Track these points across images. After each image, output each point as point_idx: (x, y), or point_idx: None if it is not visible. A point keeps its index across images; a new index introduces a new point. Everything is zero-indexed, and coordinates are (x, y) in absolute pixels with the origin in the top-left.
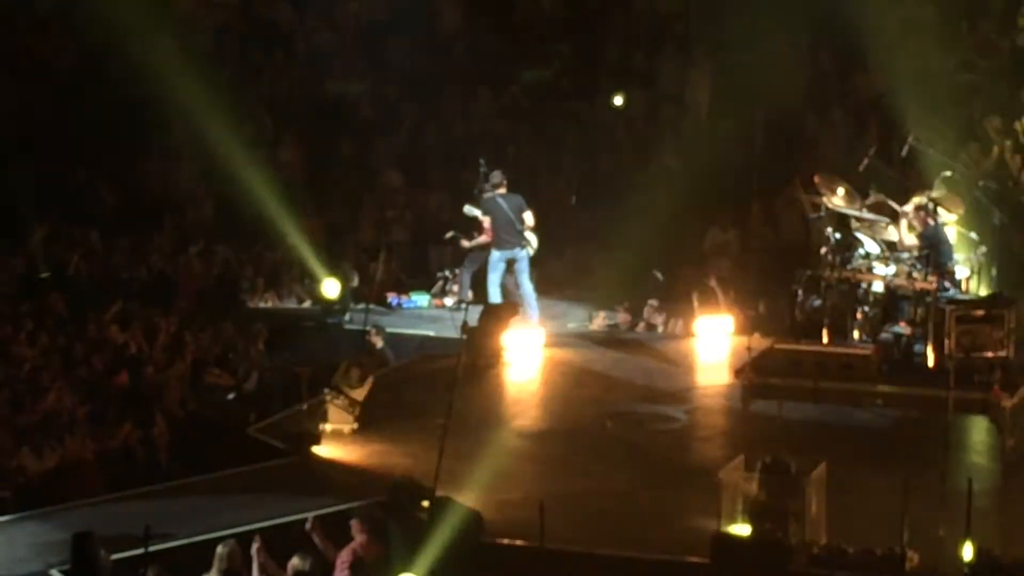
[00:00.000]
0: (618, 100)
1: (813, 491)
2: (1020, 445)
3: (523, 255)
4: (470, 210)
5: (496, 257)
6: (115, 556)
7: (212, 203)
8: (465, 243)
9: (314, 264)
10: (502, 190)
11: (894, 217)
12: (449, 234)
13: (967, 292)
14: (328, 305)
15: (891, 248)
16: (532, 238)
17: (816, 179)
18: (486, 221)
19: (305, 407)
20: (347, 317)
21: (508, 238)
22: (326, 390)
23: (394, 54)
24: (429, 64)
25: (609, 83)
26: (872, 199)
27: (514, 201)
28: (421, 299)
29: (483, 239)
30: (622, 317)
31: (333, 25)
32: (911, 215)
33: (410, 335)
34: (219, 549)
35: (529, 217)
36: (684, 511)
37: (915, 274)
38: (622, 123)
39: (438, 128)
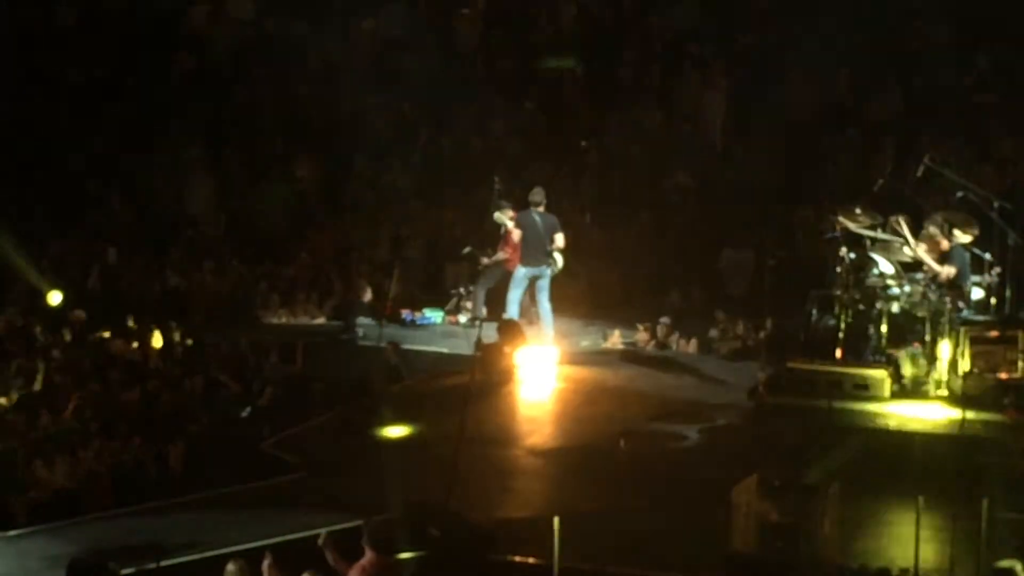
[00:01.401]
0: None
1: (826, 510)
2: None
3: (547, 273)
4: (500, 217)
5: (522, 274)
6: (126, 571)
7: (226, 219)
8: (484, 260)
9: (325, 280)
10: (540, 208)
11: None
12: (466, 250)
13: (981, 313)
14: (342, 321)
15: (906, 268)
16: (559, 258)
17: (832, 199)
18: (516, 235)
19: (319, 423)
20: (360, 333)
21: (536, 256)
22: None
23: (410, 71)
24: (445, 81)
25: (625, 100)
26: (892, 220)
27: (549, 221)
28: (435, 315)
29: (501, 256)
30: (641, 336)
31: (349, 42)
32: (926, 239)
33: (424, 351)
34: (229, 567)
35: (560, 239)
36: (697, 530)
37: (929, 295)
38: (638, 140)
39: (453, 145)
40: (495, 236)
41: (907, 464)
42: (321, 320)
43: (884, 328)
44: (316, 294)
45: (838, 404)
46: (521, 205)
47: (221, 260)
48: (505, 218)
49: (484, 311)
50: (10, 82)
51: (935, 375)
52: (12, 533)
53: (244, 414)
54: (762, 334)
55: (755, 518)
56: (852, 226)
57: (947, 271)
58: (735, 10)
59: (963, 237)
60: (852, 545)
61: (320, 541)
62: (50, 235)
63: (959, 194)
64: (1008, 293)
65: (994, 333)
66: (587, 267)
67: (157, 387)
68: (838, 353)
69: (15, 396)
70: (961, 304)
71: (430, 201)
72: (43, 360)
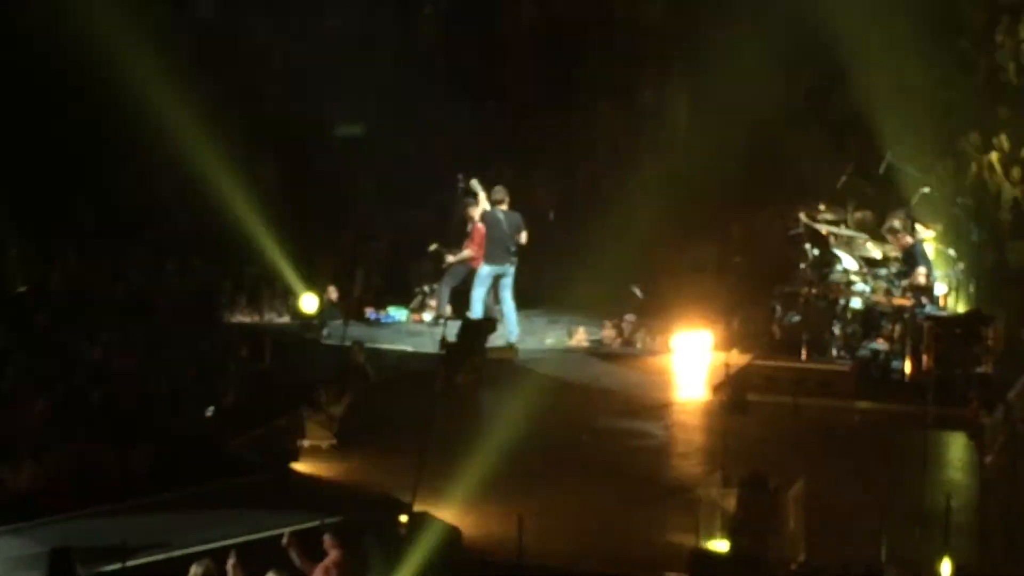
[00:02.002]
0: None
1: (791, 507)
2: (998, 461)
3: (511, 271)
4: (476, 185)
5: (486, 272)
6: (91, 572)
7: (190, 219)
8: (450, 257)
9: (292, 279)
10: (503, 206)
11: (874, 234)
12: (432, 247)
13: (945, 308)
14: (307, 320)
15: (869, 264)
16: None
17: (796, 196)
18: (478, 234)
19: (283, 423)
20: (325, 332)
21: (500, 254)
22: (304, 406)
23: (373, 70)
24: (407, 80)
25: (587, 98)
26: (856, 215)
27: (513, 219)
28: (400, 314)
29: (467, 253)
30: (607, 333)
31: (312, 41)
32: (889, 233)
33: (389, 350)
34: (193, 569)
35: (523, 237)
36: (662, 527)
37: (893, 291)
38: (601, 138)
39: (416, 144)
40: (460, 234)
41: (872, 460)
42: (287, 319)
43: (848, 325)
44: (282, 293)
45: (803, 400)
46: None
47: (185, 259)
48: (478, 187)
49: (448, 309)
50: None
51: (898, 371)
52: None
53: (208, 414)
54: (723, 330)
55: (721, 515)
56: (815, 223)
57: (921, 273)
58: (698, 7)
59: (926, 233)
60: (817, 541)
61: (284, 541)
62: (11, 235)
63: (923, 190)
64: (972, 288)
65: (958, 329)
66: (551, 264)
67: (120, 388)
68: (802, 350)
69: None
70: (924, 300)
71: (393, 200)
72: (6, 362)
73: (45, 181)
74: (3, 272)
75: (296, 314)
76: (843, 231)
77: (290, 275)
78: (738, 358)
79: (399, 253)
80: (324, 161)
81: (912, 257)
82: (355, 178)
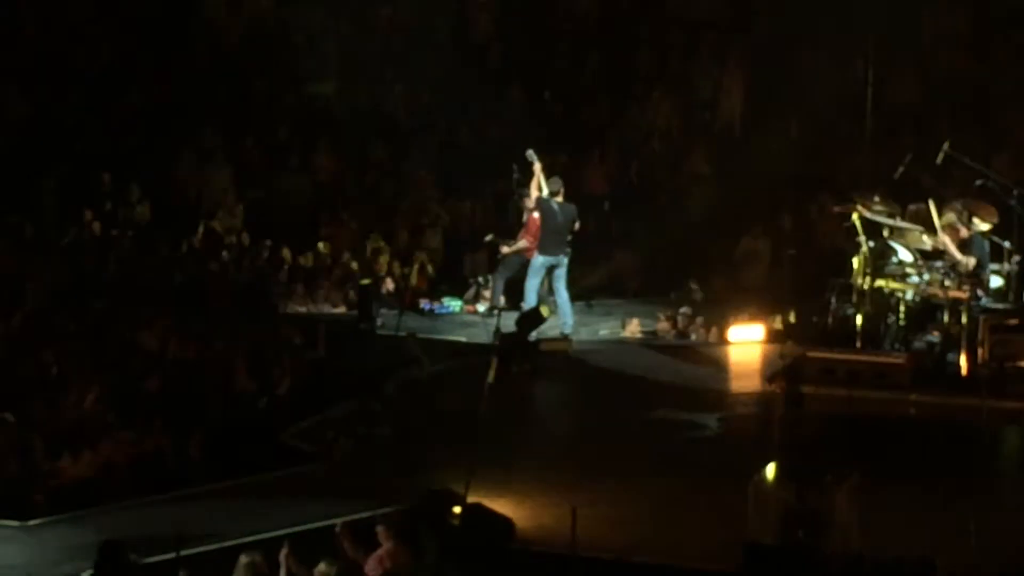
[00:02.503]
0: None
1: (845, 499)
2: None
3: (565, 262)
4: (531, 155)
5: (540, 262)
6: (146, 560)
7: (245, 208)
8: (505, 248)
9: (348, 269)
10: (559, 198)
11: (929, 226)
12: (488, 237)
13: (1001, 301)
14: (362, 310)
15: (924, 256)
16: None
17: (851, 187)
18: (533, 224)
19: (337, 412)
20: (380, 322)
21: (556, 244)
22: (361, 396)
23: (427, 59)
24: (462, 69)
25: (642, 88)
26: (911, 207)
27: (568, 210)
28: (454, 304)
29: (522, 244)
30: (661, 325)
31: (366, 30)
32: (945, 225)
33: (443, 341)
34: (241, 558)
35: (576, 226)
36: (717, 519)
37: (948, 283)
38: (656, 129)
39: (471, 134)
40: (515, 225)
41: (927, 453)
42: (342, 309)
43: (903, 317)
44: (337, 283)
45: (857, 392)
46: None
47: (240, 250)
48: (534, 156)
49: (503, 300)
50: (26, 72)
51: (953, 364)
52: (32, 523)
53: (261, 404)
54: (777, 322)
55: (775, 507)
56: (870, 214)
57: (968, 260)
58: None
59: (982, 225)
60: (872, 534)
61: (337, 531)
62: (67, 225)
63: (978, 182)
64: None
65: (1013, 321)
66: (606, 255)
67: (176, 376)
68: (857, 342)
69: None
70: (980, 292)
71: (449, 191)
72: (63, 350)
73: (102, 170)
74: (59, 259)
75: (351, 304)
76: (899, 223)
77: (346, 265)
78: (792, 350)
79: (454, 244)
80: (380, 151)
81: (968, 249)
82: (410, 168)
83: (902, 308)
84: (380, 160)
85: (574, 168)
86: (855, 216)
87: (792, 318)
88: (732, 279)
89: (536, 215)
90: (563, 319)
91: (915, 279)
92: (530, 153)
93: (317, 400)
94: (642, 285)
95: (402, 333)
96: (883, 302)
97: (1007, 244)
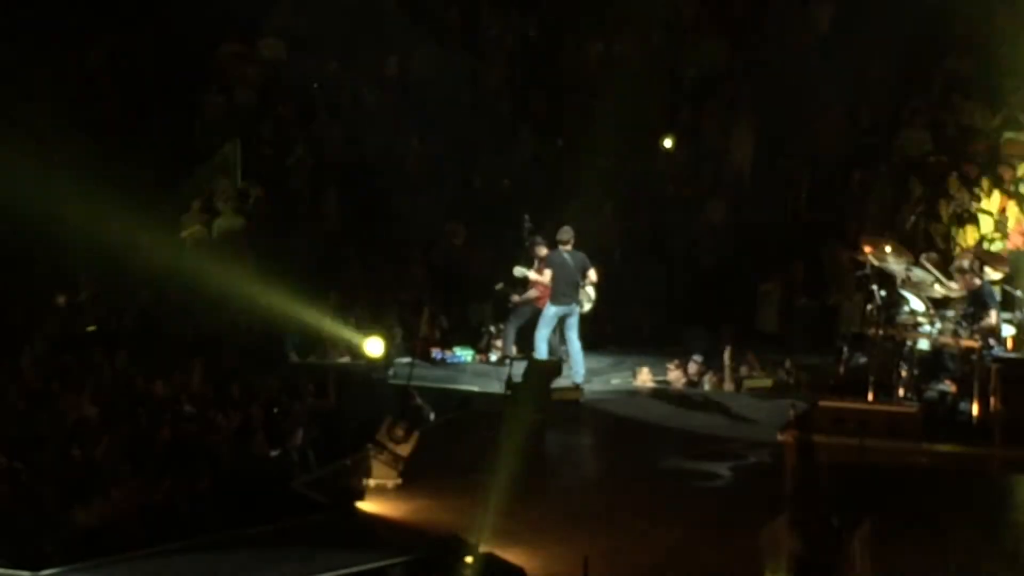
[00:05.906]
0: (668, 143)
1: (857, 549)
2: None
3: (577, 311)
4: (520, 271)
5: (552, 312)
6: None
7: (254, 256)
8: (515, 297)
9: (357, 321)
10: (568, 247)
11: (942, 275)
12: (498, 286)
13: (1012, 350)
14: (373, 360)
15: (936, 306)
16: (592, 292)
17: (862, 236)
18: (546, 276)
19: (349, 462)
20: (391, 372)
21: (568, 294)
22: (370, 445)
23: (438, 110)
24: (472, 120)
25: (653, 139)
26: (924, 258)
27: (578, 258)
28: (466, 354)
29: (532, 293)
30: (672, 374)
31: (378, 81)
32: (957, 273)
33: (455, 390)
34: None
35: (593, 274)
36: (728, 568)
37: (960, 332)
38: (667, 178)
39: (481, 185)
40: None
41: (939, 503)
42: (351, 360)
43: (914, 366)
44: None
45: (869, 442)
46: (555, 245)
47: (251, 299)
48: (525, 271)
49: (514, 350)
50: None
51: (965, 413)
52: (44, 573)
53: (274, 453)
54: (789, 371)
55: (788, 557)
56: (881, 264)
57: (992, 314)
58: (762, 47)
59: (993, 274)
60: None
61: None
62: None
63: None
64: None
65: None
66: (617, 304)
67: (188, 426)
68: (869, 391)
69: None
70: (992, 341)
71: (460, 240)
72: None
73: (116, 220)
74: (75, 311)
75: (359, 355)
76: (915, 272)
77: (355, 316)
78: (804, 399)
79: (463, 293)
80: (392, 201)
81: (980, 298)
82: (422, 217)
83: (914, 357)
84: (389, 211)
85: (585, 217)
86: (868, 265)
87: (804, 367)
88: (744, 327)
89: (542, 268)
90: (575, 368)
91: (927, 328)
92: (518, 270)
93: (328, 449)
94: (653, 334)
95: (413, 383)
96: (895, 351)
97: (1019, 293)
